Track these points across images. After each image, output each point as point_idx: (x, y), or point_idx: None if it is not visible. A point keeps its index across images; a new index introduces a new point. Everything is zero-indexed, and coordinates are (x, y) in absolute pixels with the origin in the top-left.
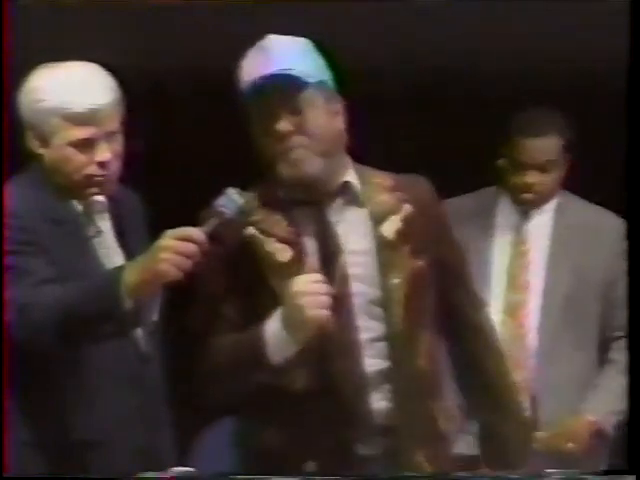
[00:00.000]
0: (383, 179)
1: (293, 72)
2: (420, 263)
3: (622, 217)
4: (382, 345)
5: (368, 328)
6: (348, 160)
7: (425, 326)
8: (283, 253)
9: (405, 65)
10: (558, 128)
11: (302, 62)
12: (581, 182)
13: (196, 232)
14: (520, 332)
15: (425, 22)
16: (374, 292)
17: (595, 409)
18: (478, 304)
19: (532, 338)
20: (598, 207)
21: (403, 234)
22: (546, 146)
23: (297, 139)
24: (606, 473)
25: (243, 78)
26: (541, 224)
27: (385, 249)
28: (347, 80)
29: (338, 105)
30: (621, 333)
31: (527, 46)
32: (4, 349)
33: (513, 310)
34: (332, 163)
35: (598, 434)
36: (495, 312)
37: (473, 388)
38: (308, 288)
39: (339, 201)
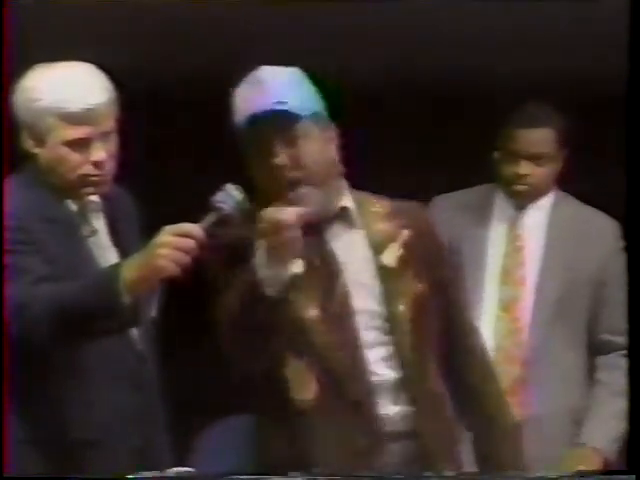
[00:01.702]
0: (380, 206)
1: (287, 107)
2: (421, 287)
3: (621, 217)
4: (391, 357)
5: (375, 343)
6: (344, 184)
7: (431, 349)
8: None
9: (402, 70)
10: (552, 121)
11: (296, 94)
12: (579, 182)
13: (194, 228)
14: (515, 327)
15: (424, 25)
16: (378, 311)
17: (597, 438)
18: (471, 326)
19: (526, 334)
20: (592, 208)
21: (404, 260)
22: (539, 137)
23: (293, 173)
24: (606, 473)
25: (237, 111)
26: (536, 220)
27: (388, 277)
28: (340, 106)
29: (332, 133)
30: (609, 337)
31: (527, 46)
32: (4, 349)
33: (508, 305)
34: (328, 191)
35: (605, 463)
36: (490, 307)
37: (467, 408)
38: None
39: (336, 225)
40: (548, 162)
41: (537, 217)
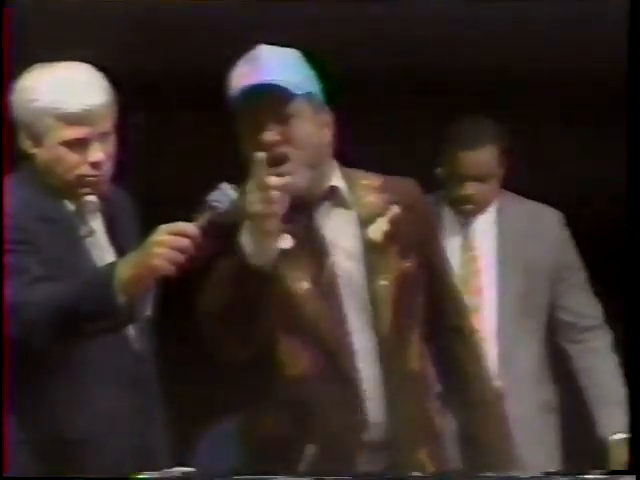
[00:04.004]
0: (371, 180)
1: (281, 82)
2: (408, 264)
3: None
4: (373, 346)
5: (359, 329)
6: (334, 165)
7: (414, 327)
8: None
9: (394, 70)
10: (495, 137)
11: (291, 73)
12: (579, 182)
13: (189, 227)
14: None
15: (414, 25)
16: (363, 294)
17: (622, 424)
18: (460, 306)
19: (490, 342)
20: (534, 202)
21: (390, 235)
22: (484, 158)
23: (283, 150)
24: (606, 473)
25: (232, 87)
26: (485, 226)
27: (372, 251)
28: (338, 91)
29: (326, 117)
30: (573, 319)
31: (526, 46)
32: (3, 349)
33: None
34: (318, 172)
35: None
36: None
37: (453, 388)
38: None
39: (326, 204)
40: (493, 177)
41: (485, 222)
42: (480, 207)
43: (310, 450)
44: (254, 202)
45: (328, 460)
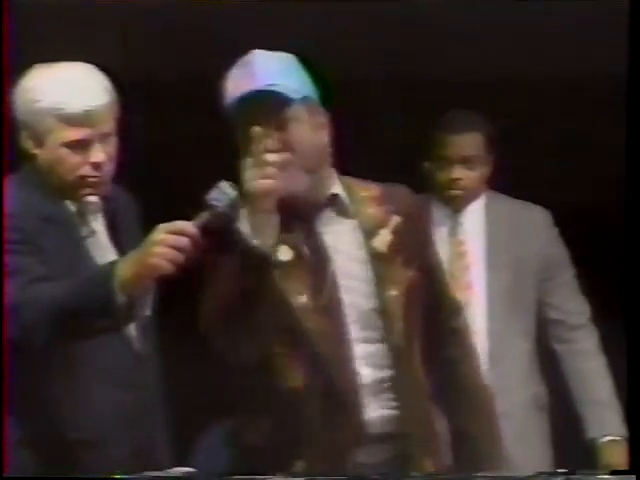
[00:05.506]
0: (369, 191)
1: (277, 88)
2: (412, 273)
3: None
4: (380, 355)
5: (363, 338)
6: (333, 173)
7: (417, 334)
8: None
9: (391, 74)
10: (480, 126)
11: (286, 78)
12: (579, 182)
13: (188, 226)
14: None
15: (413, 28)
16: (368, 302)
17: (615, 427)
18: (455, 307)
19: (479, 338)
20: (523, 201)
21: (395, 246)
22: (469, 141)
23: (283, 157)
24: (606, 473)
25: (227, 94)
26: (474, 223)
27: (379, 263)
28: (332, 93)
29: (323, 119)
30: (582, 320)
31: (526, 47)
32: (4, 349)
33: None
34: (318, 178)
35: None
36: None
37: (447, 390)
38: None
39: (328, 213)
40: (479, 165)
41: (474, 219)
42: (467, 196)
43: (300, 466)
44: (251, 179)
45: (319, 474)
